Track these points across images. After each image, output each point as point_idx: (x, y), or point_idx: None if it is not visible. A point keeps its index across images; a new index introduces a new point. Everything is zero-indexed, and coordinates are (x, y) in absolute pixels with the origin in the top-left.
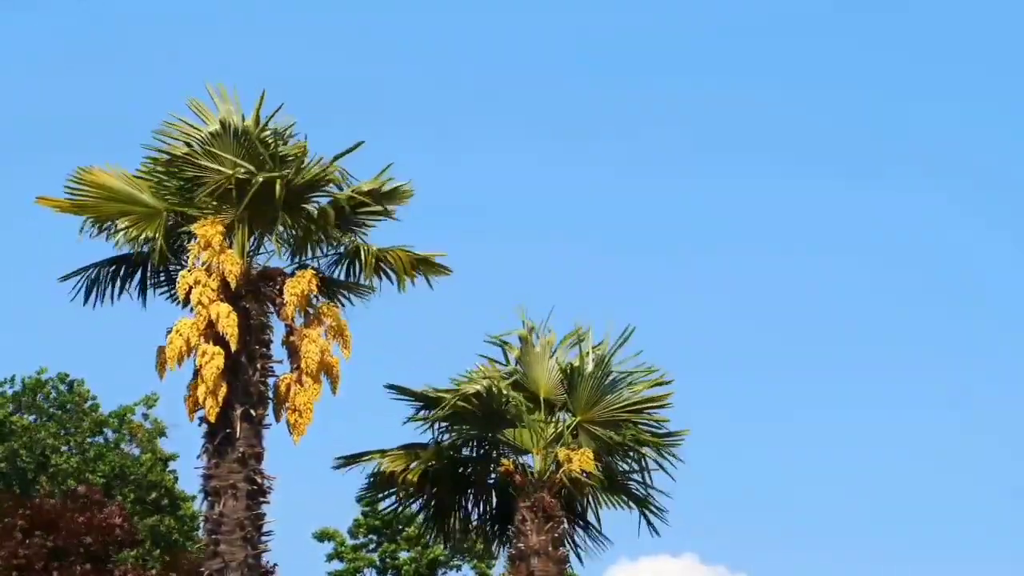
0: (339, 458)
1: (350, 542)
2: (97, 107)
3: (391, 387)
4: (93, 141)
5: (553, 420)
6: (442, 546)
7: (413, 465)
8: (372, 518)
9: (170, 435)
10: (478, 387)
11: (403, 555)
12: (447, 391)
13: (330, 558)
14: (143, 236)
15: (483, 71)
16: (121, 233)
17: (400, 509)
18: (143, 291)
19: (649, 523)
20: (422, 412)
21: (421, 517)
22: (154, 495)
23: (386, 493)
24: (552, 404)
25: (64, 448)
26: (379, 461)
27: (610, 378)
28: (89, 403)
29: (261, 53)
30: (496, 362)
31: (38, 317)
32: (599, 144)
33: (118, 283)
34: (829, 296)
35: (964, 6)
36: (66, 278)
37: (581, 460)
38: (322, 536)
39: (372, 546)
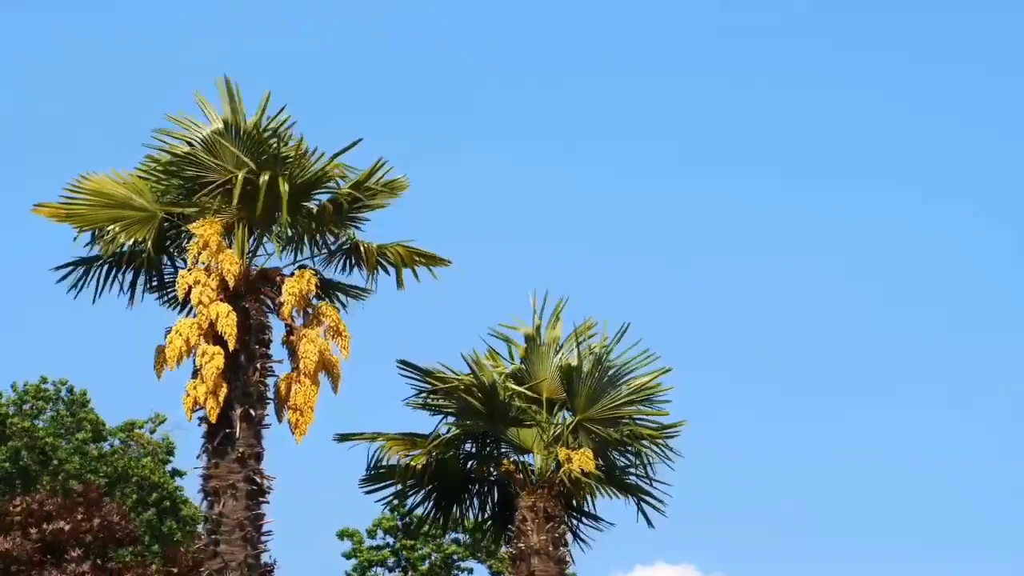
0: (339, 434)
1: (368, 543)
2: (104, 106)
3: (402, 363)
4: (98, 142)
5: (554, 420)
6: (456, 544)
7: (415, 453)
8: (392, 518)
9: (177, 451)
10: (485, 378)
11: (419, 552)
12: (456, 376)
13: (348, 556)
14: (132, 240)
15: (482, 70)
16: (111, 239)
17: (405, 504)
18: (132, 292)
19: (646, 516)
20: (428, 398)
21: (421, 510)
22: (155, 495)
23: (387, 483)
24: (553, 403)
25: (64, 444)
26: (380, 444)
27: (608, 375)
28: (89, 407)
29: (256, 52)
30: (498, 354)
31: (39, 325)
32: (600, 144)
33: (109, 281)
34: (829, 296)
35: (961, 6)
36: (58, 268)
37: (581, 460)
38: (343, 535)
39: (388, 548)
